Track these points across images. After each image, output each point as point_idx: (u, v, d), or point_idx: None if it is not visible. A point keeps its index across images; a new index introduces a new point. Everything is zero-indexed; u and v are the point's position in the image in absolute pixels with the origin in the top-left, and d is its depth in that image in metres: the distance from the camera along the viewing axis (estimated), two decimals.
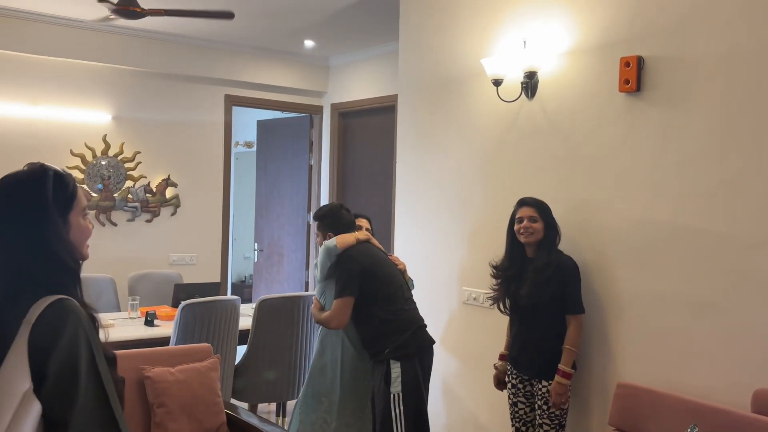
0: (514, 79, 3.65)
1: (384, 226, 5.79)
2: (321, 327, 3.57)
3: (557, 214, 3.30)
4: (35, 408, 1.34)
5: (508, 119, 3.75)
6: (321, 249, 3.47)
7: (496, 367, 3.52)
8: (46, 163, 1.54)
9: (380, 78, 6.29)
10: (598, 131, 3.31)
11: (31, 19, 5.32)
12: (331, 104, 6.92)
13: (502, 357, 3.50)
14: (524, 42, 3.63)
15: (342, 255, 3.36)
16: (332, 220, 3.50)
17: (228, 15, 4.41)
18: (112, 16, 4.14)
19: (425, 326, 3.45)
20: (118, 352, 3.38)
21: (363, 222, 3.79)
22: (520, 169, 3.69)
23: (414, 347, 3.35)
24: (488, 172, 3.87)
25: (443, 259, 4.14)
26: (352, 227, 3.52)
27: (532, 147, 3.62)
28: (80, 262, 1.53)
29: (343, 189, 6.87)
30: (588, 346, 3.31)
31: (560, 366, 3.15)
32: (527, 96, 3.63)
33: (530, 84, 3.60)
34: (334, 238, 3.42)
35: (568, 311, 3.20)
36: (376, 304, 3.34)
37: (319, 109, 7.05)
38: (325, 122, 7.03)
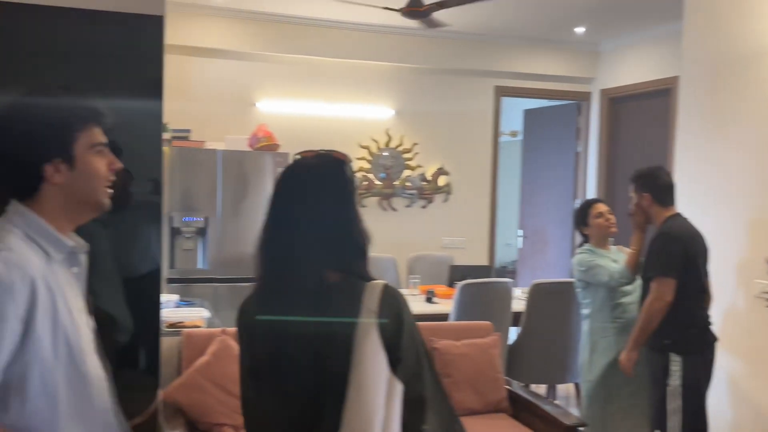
0: None
1: None
2: (584, 313, 3.59)
3: None
4: (399, 389, 1.40)
5: None
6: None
7: None
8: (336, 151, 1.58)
9: (655, 60, 6.00)
10: None
11: (324, 26, 5.88)
12: (601, 90, 6.74)
13: None
14: None
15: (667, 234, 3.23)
16: (651, 180, 3.30)
17: None
18: (410, 19, 4.42)
19: (711, 323, 3.27)
20: None
21: (602, 207, 3.65)
22: None
23: (699, 343, 3.19)
24: None
25: (729, 250, 3.86)
26: (670, 191, 3.32)
27: None
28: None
29: (612, 176, 6.67)
30: None
31: None
32: None
33: None
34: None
35: None
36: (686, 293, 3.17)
37: (587, 96, 6.91)
38: (593, 109, 6.87)
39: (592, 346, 3.53)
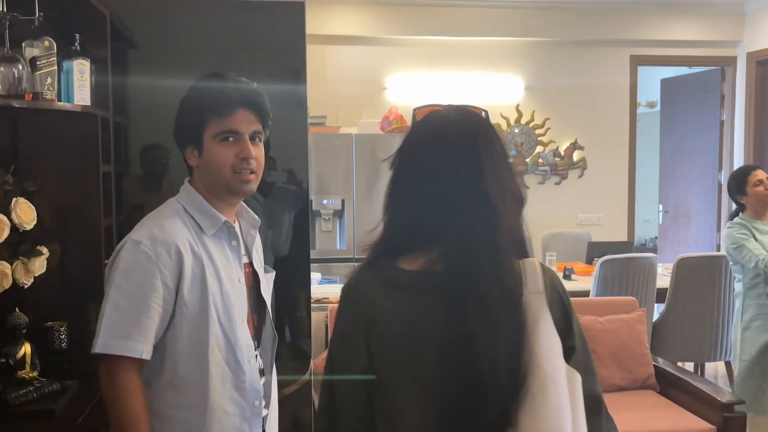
0: None
1: None
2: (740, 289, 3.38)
3: None
4: (579, 384, 1.15)
5: None
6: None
7: None
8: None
9: None
10: None
11: (451, 5, 5.81)
12: (747, 53, 6.27)
13: None
14: None
15: None
16: None
17: None
18: None
19: None
20: None
21: (762, 174, 3.41)
22: None
23: None
24: None
25: None
26: None
27: None
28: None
29: (762, 145, 6.20)
30: None
31: None
32: None
33: None
34: None
35: None
36: None
37: (732, 60, 6.44)
38: (739, 73, 6.40)
39: (745, 324, 3.33)
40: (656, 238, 7.80)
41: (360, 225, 5.39)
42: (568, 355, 1.18)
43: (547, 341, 1.12)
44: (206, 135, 1.52)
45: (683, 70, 7.03)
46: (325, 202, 5.33)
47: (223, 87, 1.54)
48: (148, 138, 2.45)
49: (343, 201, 5.37)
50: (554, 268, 4.96)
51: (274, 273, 1.74)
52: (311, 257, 5.25)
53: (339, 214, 5.39)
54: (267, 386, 1.68)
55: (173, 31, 2.45)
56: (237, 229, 1.62)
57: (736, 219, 3.39)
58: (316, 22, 5.50)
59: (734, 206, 3.49)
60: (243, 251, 1.65)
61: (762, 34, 6.08)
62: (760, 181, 3.34)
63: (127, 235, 1.50)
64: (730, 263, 3.43)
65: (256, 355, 1.62)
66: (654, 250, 7.90)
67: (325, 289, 3.60)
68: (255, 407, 1.58)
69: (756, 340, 3.27)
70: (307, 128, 2.51)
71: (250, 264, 1.67)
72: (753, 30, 6.21)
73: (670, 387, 3.29)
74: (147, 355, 1.46)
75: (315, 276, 4.04)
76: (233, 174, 1.54)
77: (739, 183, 3.39)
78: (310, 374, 2.51)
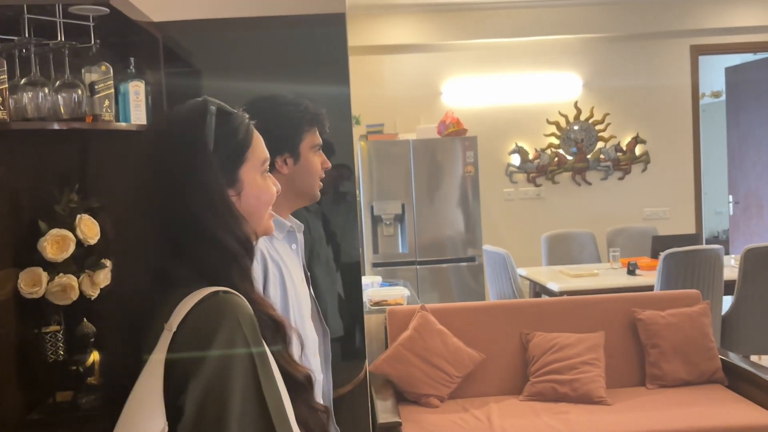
0: None
1: None
2: None
3: None
4: None
5: None
6: None
7: None
8: (211, 98, 1.05)
9: None
10: None
11: (502, 7, 5.71)
12: None
13: None
14: None
15: None
16: None
17: None
18: None
19: None
20: (609, 296, 3.54)
21: None
22: None
23: None
24: None
25: None
26: None
27: None
28: (249, 239, 1.03)
29: None
30: None
31: None
32: None
33: None
34: None
35: None
36: None
37: None
38: None
39: None
40: (728, 229, 7.47)
41: (421, 228, 5.38)
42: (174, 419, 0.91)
43: (139, 398, 0.92)
44: (304, 145, 1.62)
45: (748, 57, 6.72)
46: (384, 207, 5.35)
47: (310, 105, 1.67)
48: None
49: (403, 205, 5.37)
50: (618, 264, 4.82)
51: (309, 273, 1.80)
52: (375, 261, 5.35)
53: (400, 218, 5.39)
54: (326, 381, 1.75)
55: (223, 50, 2.52)
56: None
57: None
58: (371, 34, 5.55)
59: None
60: (301, 253, 1.73)
61: None
62: None
63: None
64: None
65: (316, 351, 1.69)
66: (726, 242, 7.57)
67: (385, 292, 3.60)
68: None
69: None
70: (352, 135, 2.52)
71: (303, 265, 1.75)
72: None
73: (739, 381, 3.13)
74: (307, 362, 1.52)
75: (376, 279, 4.05)
76: (318, 182, 1.67)
77: None
78: (366, 373, 2.52)
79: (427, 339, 3.12)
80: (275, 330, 1.02)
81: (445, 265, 5.43)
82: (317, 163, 1.66)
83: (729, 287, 4.21)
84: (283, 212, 1.65)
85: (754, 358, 4.63)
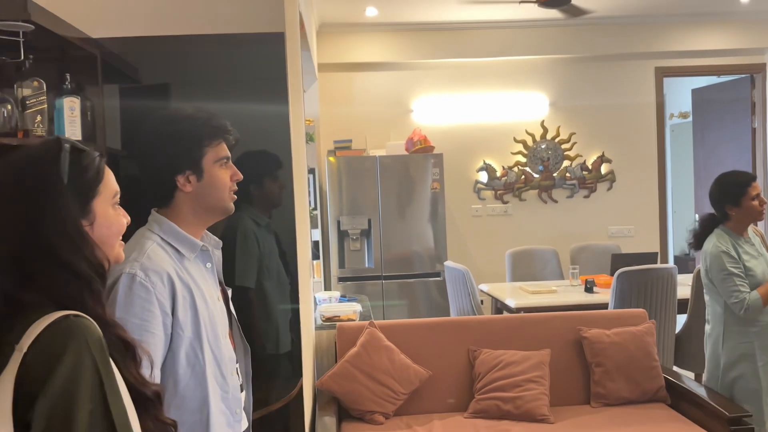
0: None
1: None
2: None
3: None
4: None
5: None
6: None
7: None
8: (64, 137, 1.13)
9: None
10: None
11: (470, 28, 5.73)
12: None
13: None
14: None
15: None
16: None
17: None
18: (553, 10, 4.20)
19: None
20: (556, 314, 3.53)
21: (759, 187, 2.99)
22: None
23: None
24: None
25: None
26: None
27: None
28: (102, 264, 1.09)
29: None
30: None
31: None
32: None
33: None
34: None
35: None
36: None
37: (760, 68, 6.17)
38: None
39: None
40: None
41: (387, 243, 5.37)
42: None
43: None
44: (207, 160, 1.57)
45: (713, 80, 6.77)
46: (351, 222, 5.34)
47: (211, 118, 1.61)
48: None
49: (370, 221, 5.35)
50: (578, 282, 4.82)
51: (230, 290, 1.76)
52: (341, 276, 5.33)
53: (366, 233, 5.38)
54: (247, 398, 1.72)
55: (164, 67, 2.50)
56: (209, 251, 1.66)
57: (721, 233, 2.96)
58: (342, 51, 5.56)
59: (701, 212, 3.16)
60: (216, 271, 1.68)
61: None
62: (758, 196, 2.92)
63: (117, 269, 1.48)
64: (706, 282, 3.02)
65: (236, 368, 1.66)
66: (695, 260, 7.59)
67: (337, 308, 3.58)
68: (236, 414, 1.63)
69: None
70: (290, 146, 2.51)
71: (221, 282, 1.70)
72: None
73: (681, 400, 3.12)
74: (157, 379, 1.48)
75: (334, 294, 4.02)
76: (230, 194, 1.61)
77: (736, 193, 2.92)
78: (300, 390, 2.49)
79: (373, 355, 3.10)
80: (125, 350, 1.08)
81: (411, 280, 5.41)
82: (224, 176, 1.60)
83: (685, 305, 4.21)
84: (196, 230, 1.62)
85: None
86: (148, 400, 1.09)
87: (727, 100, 6.56)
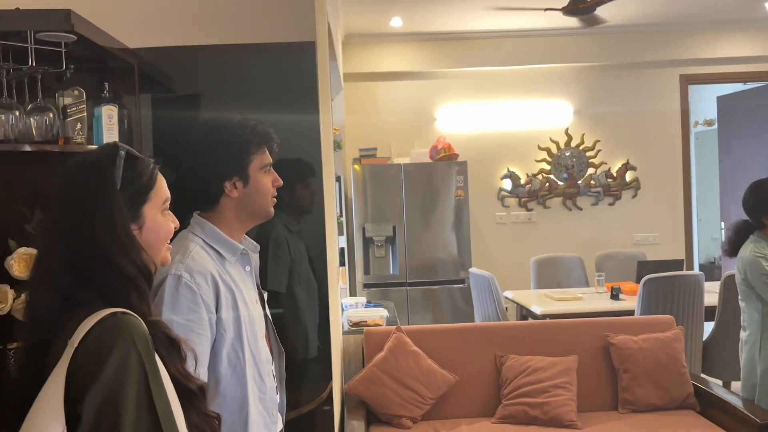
0: None
1: None
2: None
3: None
4: None
5: None
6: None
7: None
8: (121, 143, 1.17)
9: None
10: None
11: (494, 36, 5.74)
12: None
13: None
14: None
15: None
16: None
17: None
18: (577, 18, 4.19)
19: None
20: (583, 320, 3.51)
21: None
22: None
23: None
24: None
25: None
26: None
27: None
28: (149, 267, 1.14)
29: None
30: None
31: None
32: None
33: None
34: None
35: None
36: None
37: None
38: None
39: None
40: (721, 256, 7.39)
41: (411, 250, 5.38)
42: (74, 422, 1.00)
43: (42, 406, 1.01)
44: (253, 167, 1.61)
45: (738, 86, 6.71)
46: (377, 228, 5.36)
47: (257, 126, 1.66)
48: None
49: (394, 227, 5.37)
50: (603, 289, 4.79)
51: (266, 293, 1.78)
52: (366, 282, 5.35)
53: (391, 240, 5.39)
54: (281, 399, 1.74)
55: (198, 76, 2.54)
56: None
57: (758, 239, 2.92)
58: (368, 61, 5.60)
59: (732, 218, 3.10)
60: (255, 274, 1.72)
61: None
62: None
63: (163, 270, 1.50)
64: (743, 289, 2.96)
65: (272, 370, 1.68)
66: (721, 267, 7.49)
67: (364, 313, 3.59)
68: (273, 416, 1.65)
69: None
70: (320, 154, 2.54)
71: (258, 285, 1.73)
72: None
73: (710, 407, 3.09)
74: (204, 377, 1.51)
75: (360, 299, 4.04)
76: (271, 199, 1.66)
77: None
78: (330, 393, 2.50)
79: (401, 360, 3.10)
80: (170, 346, 1.12)
81: (435, 287, 5.42)
82: (268, 182, 1.65)
83: (713, 313, 4.16)
84: (237, 234, 1.65)
85: (735, 383, 4.57)
86: (193, 394, 1.13)
87: (754, 107, 6.48)
